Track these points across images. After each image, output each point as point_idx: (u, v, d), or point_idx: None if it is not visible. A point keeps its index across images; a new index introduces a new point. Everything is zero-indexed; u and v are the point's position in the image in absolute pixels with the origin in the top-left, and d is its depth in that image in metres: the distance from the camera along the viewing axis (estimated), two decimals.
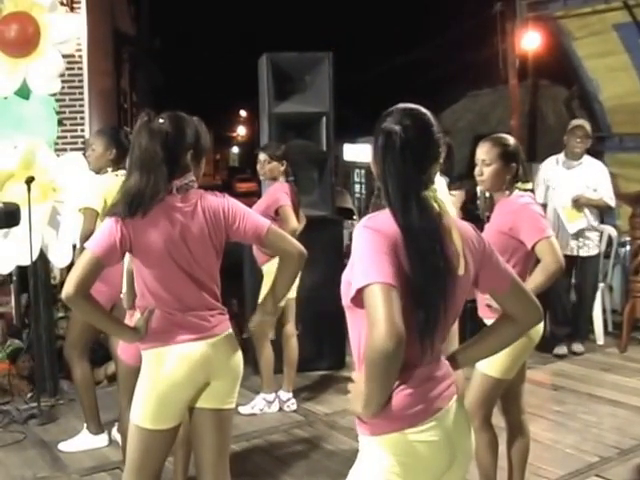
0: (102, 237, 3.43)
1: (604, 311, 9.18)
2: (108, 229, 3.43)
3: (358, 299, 2.39)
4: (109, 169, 5.82)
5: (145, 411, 3.52)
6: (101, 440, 5.97)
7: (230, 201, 3.70)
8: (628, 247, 9.22)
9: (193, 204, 3.59)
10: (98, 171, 5.90)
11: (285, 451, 5.95)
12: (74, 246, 6.28)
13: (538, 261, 4.33)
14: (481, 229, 4.27)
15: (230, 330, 3.71)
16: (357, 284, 2.37)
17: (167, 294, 3.54)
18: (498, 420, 4.61)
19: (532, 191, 4.52)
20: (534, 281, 4.20)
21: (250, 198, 6.79)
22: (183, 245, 3.54)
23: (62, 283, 3.47)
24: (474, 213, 8.38)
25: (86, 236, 5.54)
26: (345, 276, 2.56)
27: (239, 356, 3.76)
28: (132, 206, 3.45)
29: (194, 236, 3.57)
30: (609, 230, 9.54)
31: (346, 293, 2.53)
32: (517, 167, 4.39)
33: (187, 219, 3.56)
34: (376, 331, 2.28)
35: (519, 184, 4.41)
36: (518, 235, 4.26)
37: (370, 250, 2.41)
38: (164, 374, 3.49)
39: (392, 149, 2.54)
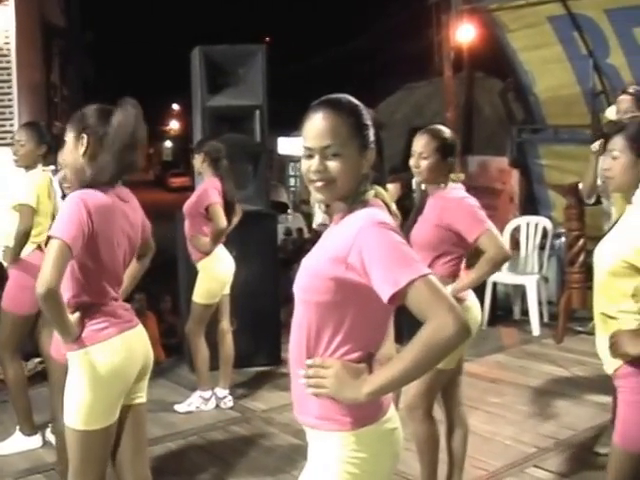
0: None
1: (540, 302, 9.26)
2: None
3: (399, 297, 2.30)
4: (39, 165, 5.70)
5: (89, 412, 3.41)
6: (35, 441, 5.84)
7: None
8: (563, 239, 9.29)
9: None
10: (27, 167, 5.75)
11: (222, 448, 5.90)
12: None
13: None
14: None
15: None
16: (403, 281, 2.27)
17: (107, 284, 3.52)
18: (437, 414, 4.59)
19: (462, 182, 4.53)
20: (479, 270, 4.29)
21: (183, 193, 6.73)
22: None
23: None
24: (410, 207, 8.35)
25: (25, 233, 5.44)
26: (315, 270, 2.50)
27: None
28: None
29: None
30: (544, 222, 9.64)
31: (317, 287, 2.46)
32: (453, 161, 4.42)
33: None
34: (444, 319, 2.26)
35: (452, 175, 4.43)
36: (457, 230, 4.27)
37: (398, 245, 2.35)
38: (108, 368, 3.41)
39: None
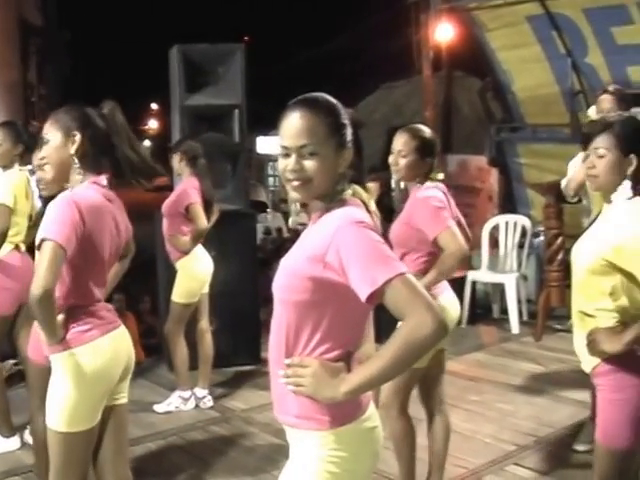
0: None
1: (519, 301, 9.29)
2: None
3: (376, 296, 2.30)
4: (16, 164, 5.66)
5: (72, 414, 3.39)
6: (13, 443, 5.79)
7: None
8: (542, 237, 9.32)
9: None
10: (4, 167, 5.71)
11: (202, 448, 5.88)
12: None
13: None
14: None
15: None
16: (381, 279, 2.27)
17: (94, 286, 3.51)
18: (419, 412, 4.63)
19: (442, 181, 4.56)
20: (441, 266, 4.26)
21: (162, 193, 6.68)
22: None
23: None
24: (389, 205, 8.37)
25: (2, 233, 5.41)
26: (293, 269, 2.49)
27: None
28: None
29: None
30: (523, 220, 9.67)
31: (295, 287, 2.46)
32: (432, 161, 4.44)
33: None
34: (422, 317, 2.25)
35: (431, 174, 4.44)
36: (421, 229, 4.30)
37: (375, 244, 2.35)
38: (92, 370, 3.39)
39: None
